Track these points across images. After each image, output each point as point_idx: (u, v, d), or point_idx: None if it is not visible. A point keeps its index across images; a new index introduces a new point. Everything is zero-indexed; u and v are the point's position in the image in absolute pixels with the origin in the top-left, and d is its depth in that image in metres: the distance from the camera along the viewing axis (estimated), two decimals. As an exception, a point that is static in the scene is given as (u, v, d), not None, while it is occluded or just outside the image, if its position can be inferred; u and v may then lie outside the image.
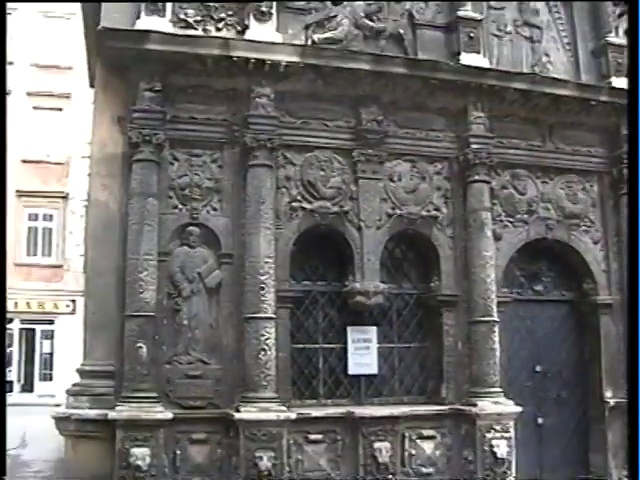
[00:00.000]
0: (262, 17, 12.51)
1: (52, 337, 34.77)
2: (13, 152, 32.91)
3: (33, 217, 35.16)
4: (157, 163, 11.93)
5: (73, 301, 33.30)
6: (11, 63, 33.67)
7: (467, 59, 13.45)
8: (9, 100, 33.44)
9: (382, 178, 13.07)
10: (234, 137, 12.32)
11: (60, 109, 35.18)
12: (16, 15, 34.99)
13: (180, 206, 12.19)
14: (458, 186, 13.47)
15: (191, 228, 12.13)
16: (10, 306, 31.73)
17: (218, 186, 12.35)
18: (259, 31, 12.42)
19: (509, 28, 14.66)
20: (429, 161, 13.47)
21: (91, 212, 12.94)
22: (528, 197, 14.04)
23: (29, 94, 34.76)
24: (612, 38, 14.88)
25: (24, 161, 34.26)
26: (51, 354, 34.62)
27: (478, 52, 13.68)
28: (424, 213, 13.24)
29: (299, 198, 12.61)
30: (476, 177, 13.29)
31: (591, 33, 15.17)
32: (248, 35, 12.39)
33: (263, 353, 11.63)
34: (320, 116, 12.82)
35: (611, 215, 14.48)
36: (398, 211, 13.07)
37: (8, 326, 32.41)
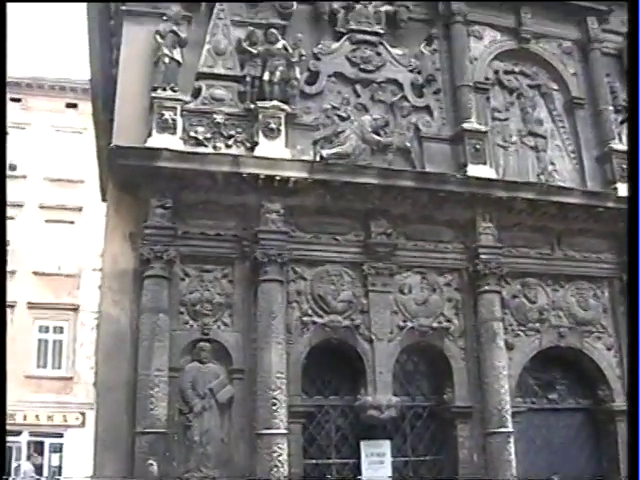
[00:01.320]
0: (271, 134, 12.74)
1: (61, 450, 34.22)
2: (25, 264, 33.27)
3: (44, 329, 34.83)
4: (168, 279, 11.96)
5: (83, 414, 32.84)
6: (24, 177, 34.36)
7: (474, 170, 13.65)
8: (22, 213, 34.06)
9: (392, 291, 13.08)
10: (244, 252, 12.38)
11: (72, 222, 35.41)
12: (29, 130, 35.73)
13: (191, 322, 12.17)
14: (469, 297, 13.47)
15: (202, 344, 12.06)
16: (19, 418, 31.49)
17: (229, 301, 12.35)
18: (268, 147, 12.64)
19: (514, 138, 14.94)
20: (439, 273, 13.51)
21: (102, 327, 12.92)
22: (539, 305, 13.99)
23: (41, 207, 35.07)
24: (616, 145, 15.14)
25: (35, 273, 34.39)
26: (60, 467, 34.04)
27: (484, 163, 13.90)
28: (435, 325, 13.20)
29: (310, 312, 12.61)
30: (486, 287, 13.30)
31: (595, 140, 15.42)
32: (257, 151, 12.60)
33: (275, 469, 11.40)
34: (330, 230, 12.95)
35: (623, 320, 14.29)
36: (409, 323, 13.02)
37: (16, 439, 32.04)
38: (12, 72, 36.19)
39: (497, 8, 15.38)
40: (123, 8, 13.65)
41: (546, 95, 15.56)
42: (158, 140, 12.27)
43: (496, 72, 15.24)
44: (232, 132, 12.83)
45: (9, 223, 32.16)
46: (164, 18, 13.24)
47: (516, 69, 15.45)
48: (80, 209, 35.18)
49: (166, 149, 12.08)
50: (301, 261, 12.70)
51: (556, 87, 15.70)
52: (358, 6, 14.42)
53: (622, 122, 15.62)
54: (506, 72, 15.33)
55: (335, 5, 14.39)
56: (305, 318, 12.55)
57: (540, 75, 15.64)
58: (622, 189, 14.55)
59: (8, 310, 31.25)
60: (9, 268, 31.54)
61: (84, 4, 16.12)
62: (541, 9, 15.63)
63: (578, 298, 14.35)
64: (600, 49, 16.03)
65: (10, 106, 35.12)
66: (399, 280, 13.19)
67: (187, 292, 12.22)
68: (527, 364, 13.73)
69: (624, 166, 14.88)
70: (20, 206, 33.68)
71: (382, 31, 14.47)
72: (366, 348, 12.67)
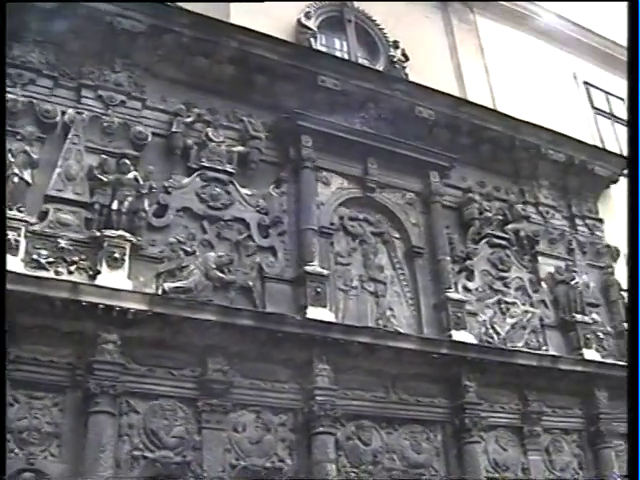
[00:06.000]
0: (114, 263, 12.59)
1: None
2: None
3: None
4: (-5, 404, 11.47)
5: None
6: None
7: (313, 313, 13.84)
8: None
9: (226, 428, 12.84)
10: (77, 381, 11.96)
11: None
12: None
13: (17, 450, 11.44)
14: (303, 437, 13.37)
15: (26, 474, 11.37)
16: None
17: (58, 431, 11.76)
18: (110, 277, 12.47)
19: (355, 283, 15.32)
20: (274, 412, 13.41)
21: None
22: (373, 448, 14.04)
23: None
24: (451, 293, 15.79)
25: None
26: None
27: (325, 306, 14.11)
28: (268, 465, 12.99)
29: (141, 447, 12.18)
30: (321, 429, 13.27)
31: (432, 288, 16.00)
32: (99, 280, 12.39)
33: None
34: (166, 364, 12.70)
35: (455, 463, 14.62)
36: (242, 462, 12.77)
37: None
38: None
39: (345, 156, 15.95)
40: (-25, 123, 13.39)
41: (388, 243, 16.16)
42: (-2, 260, 11.94)
43: (341, 218, 15.76)
44: (75, 258, 12.59)
45: None
46: (18, 137, 12.98)
47: (360, 216, 16.01)
48: None
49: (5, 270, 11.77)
50: (135, 394, 12.37)
51: (398, 236, 16.35)
52: (211, 144, 14.68)
53: (459, 272, 16.38)
54: (351, 218, 15.87)
55: (189, 141, 14.56)
56: (136, 452, 12.10)
57: (383, 223, 16.27)
58: (456, 336, 15.17)
59: None
60: None
61: None
62: (387, 160, 16.32)
63: (411, 441, 14.51)
64: (441, 202, 16.88)
65: None
66: (233, 418, 13.00)
67: (15, 418, 11.53)
68: (363, 506, 13.70)
69: (459, 314, 15.56)
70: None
71: (233, 170, 14.73)
72: (197, 486, 12.36)
